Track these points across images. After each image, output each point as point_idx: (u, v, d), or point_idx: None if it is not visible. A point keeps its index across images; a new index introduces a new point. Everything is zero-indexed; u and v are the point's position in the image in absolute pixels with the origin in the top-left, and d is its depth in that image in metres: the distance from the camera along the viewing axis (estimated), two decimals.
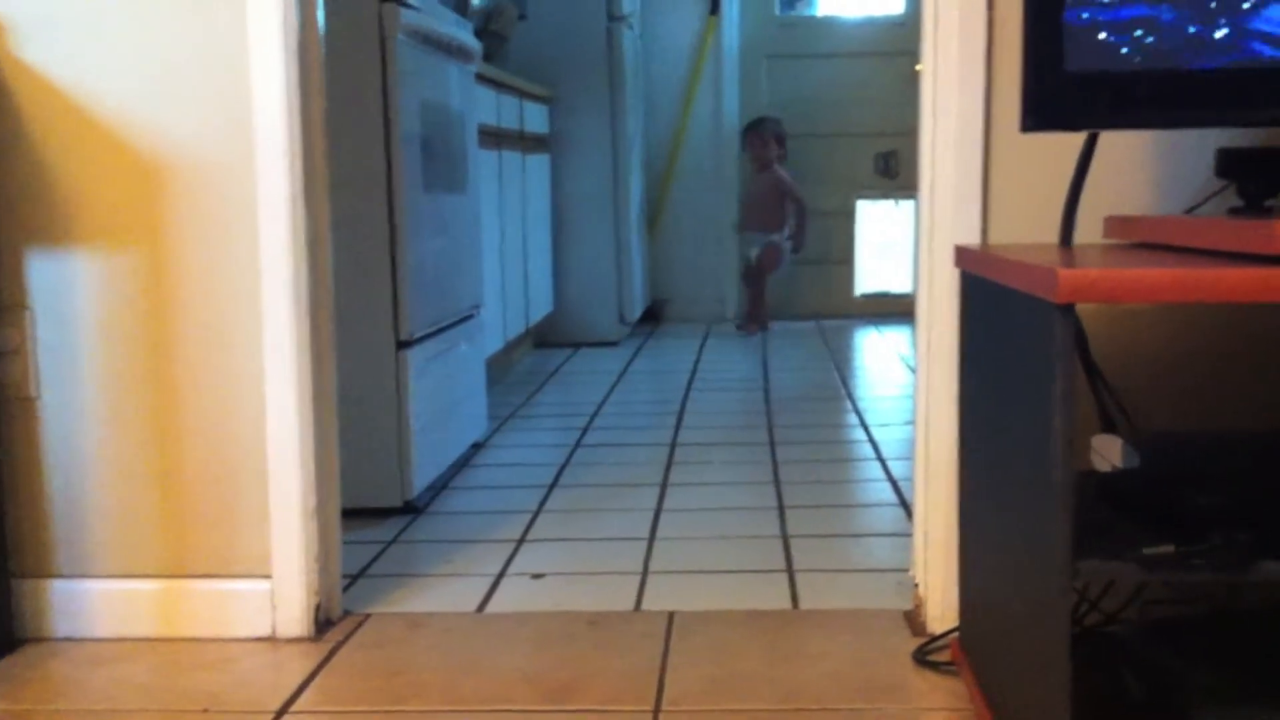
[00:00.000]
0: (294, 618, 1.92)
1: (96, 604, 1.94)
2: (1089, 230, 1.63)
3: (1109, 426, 1.52)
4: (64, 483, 1.94)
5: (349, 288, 2.45)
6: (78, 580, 1.95)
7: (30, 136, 1.89)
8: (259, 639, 1.92)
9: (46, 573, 1.95)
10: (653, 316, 5.92)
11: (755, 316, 5.43)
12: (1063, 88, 1.39)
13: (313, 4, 1.91)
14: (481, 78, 3.53)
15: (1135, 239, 1.49)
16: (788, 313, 5.73)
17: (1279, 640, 1.50)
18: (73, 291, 1.91)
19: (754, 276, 5.46)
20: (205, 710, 1.68)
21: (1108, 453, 1.38)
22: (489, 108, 3.77)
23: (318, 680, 1.77)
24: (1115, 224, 1.55)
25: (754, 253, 5.41)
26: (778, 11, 5.93)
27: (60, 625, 1.94)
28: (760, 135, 5.41)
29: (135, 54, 1.87)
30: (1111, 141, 1.70)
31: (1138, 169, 1.74)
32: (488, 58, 3.84)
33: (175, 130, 1.88)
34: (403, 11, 2.54)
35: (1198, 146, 1.71)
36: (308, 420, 1.91)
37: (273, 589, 1.92)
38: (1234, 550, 1.18)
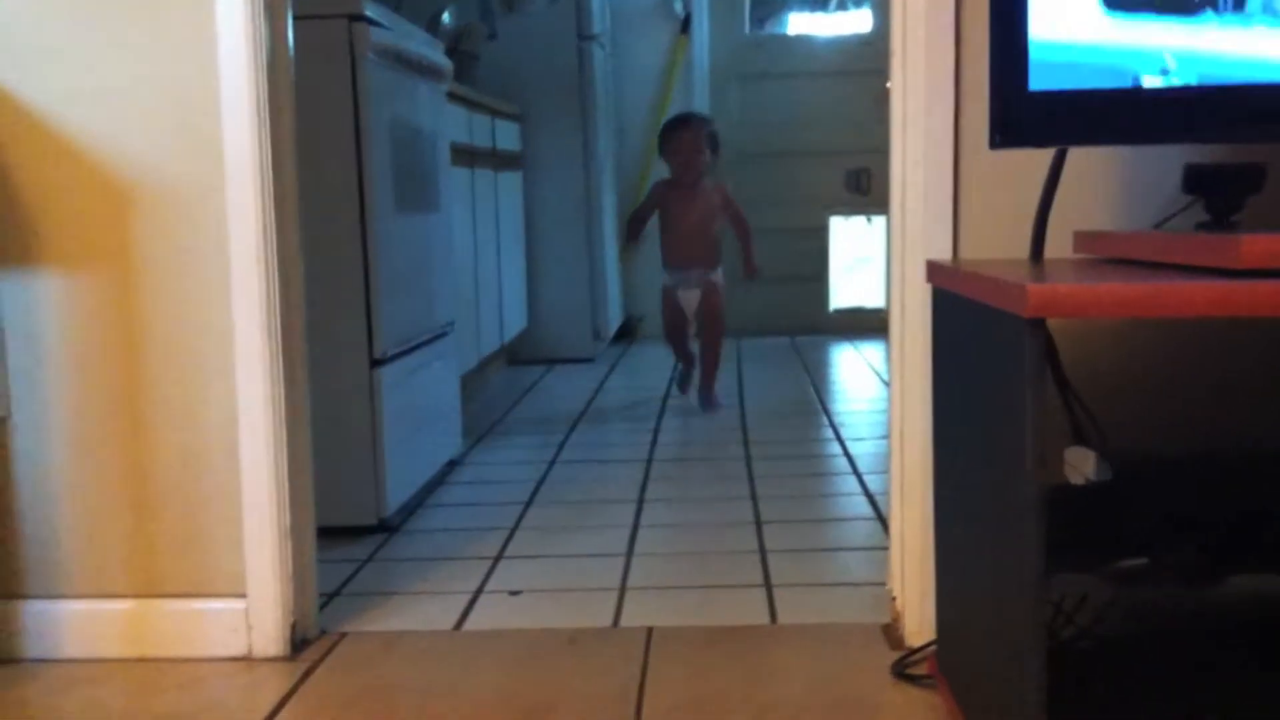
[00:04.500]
0: (270, 637, 1.91)
1: (69, 625, 1.93)
2: (1060, 245, 1.65)
3: (1081, 440, 1.53)
4: (34, 503, 1.93)
5: (321, 306, 2.44)
6: (49, 601, 1.93)
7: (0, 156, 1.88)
8: (234, 659, 1.91)
9: (17, 593, 1.93)
10: (627, 333, 5.92)
11: (704, 375, 4.07)
12: (1030, 105, 1.40)
13: (282, 23, 1.91)
14: (453, 96, 3.53)
15: (1105, 254, 1.51)
16: (761, 329, 5.74)
17: (1254, 652, 1.51)
18: (43, 312, 1.90)
19: (681, 329, 4.11)
20: None
21: (1081, 466, 1.39)
22: (461, 126, 3.77)
23: (294, 700, 1.76)
24: (1085, 239, 1.57)
25: (694, 296, 4.05)
26: (748, 31, 5.96)
27: (32, 646, 1.93)
28: (692, 138, 4.01)
29: (102, 75, 1.86)
30: (1081, 157, 1.71)
31: (1108, 184, 1.76)
32: (458, 76, 3.84)
33: (144, 151, 1.87)
34: (373, 31, 2.54)
35: (1166, 161, 1.73)
36: (280, 439, 1.90)
37: (248, 609, 1.91)
38: (1206, 564, 1.19)
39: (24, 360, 1.91)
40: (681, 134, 4.05)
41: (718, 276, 4.06)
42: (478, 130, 4.06)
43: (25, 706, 1.78)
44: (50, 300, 1.90)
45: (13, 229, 1.89)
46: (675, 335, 4.12)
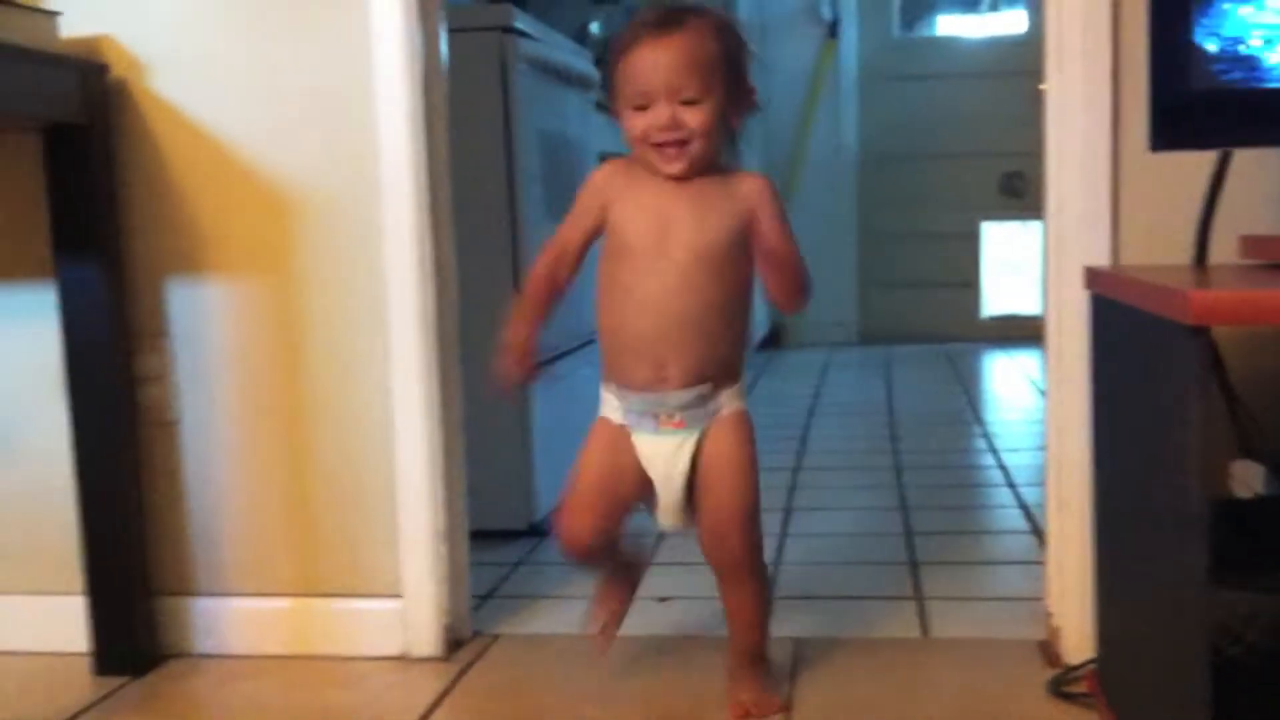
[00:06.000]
0: (425, 638, 1.95)
1: (233, 621, 2.00)
2: (1225, 250, 1.59)
3: (1248, 452, 1.48)
4: (201, 504, 2.00)
5: (474, 314, 2.49)
6: (216, 598, 2.01)
7: (169, 169, 1.96)
8: (390, 658, 1.95)
9: (186, 591, 2.01)
10: (773, 340, 5.90)
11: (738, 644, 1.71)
12: (1191, 105, 1.36)
13: (435, 37, 1.95)
14: (601, 105, 3.57)
15: (1272, 259, 1.45)
16: (909, 337, 5.66)
17: None
18: (208, 320, 1.97)
19: (615, 523, 1.75)
20: None
21: (1248, 479, 1.35)
22: (608, 135, 3.80)
23: (448, 700, 1.79)
24: (1252, 243, 1.51)
25: (683, 450, 1.68)
26: (897, 33, 5.89)
27: (200, 642, 2.00)
28: (690, 52, 1.56)
29: (263, 88, 1.93)
30: (1246, 157, 1.65)
31: (1274, 186, 1.69)
32: (606, 86, 3.88)
33: (303, 163, 1.93)
34: (523, 42, 2.58)
35: None
36: (435, 443, 1.94)
37: (404, 609, 1.95)
38: None
39: (190, 366, 1.98)
40: (663, 44, 1.58)
41: (740, 402, 1.79)
42: None
43: (193, 700, 1.85)
44: (215, 308, 1.97)
45: (181, 238, 1.96)
46: (598, 536, 1.73)
